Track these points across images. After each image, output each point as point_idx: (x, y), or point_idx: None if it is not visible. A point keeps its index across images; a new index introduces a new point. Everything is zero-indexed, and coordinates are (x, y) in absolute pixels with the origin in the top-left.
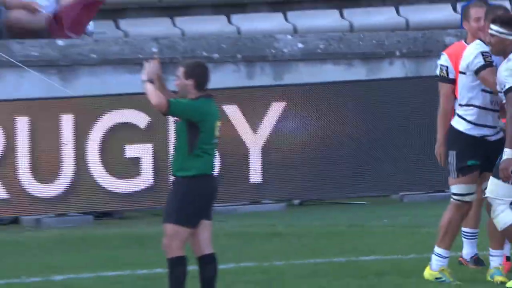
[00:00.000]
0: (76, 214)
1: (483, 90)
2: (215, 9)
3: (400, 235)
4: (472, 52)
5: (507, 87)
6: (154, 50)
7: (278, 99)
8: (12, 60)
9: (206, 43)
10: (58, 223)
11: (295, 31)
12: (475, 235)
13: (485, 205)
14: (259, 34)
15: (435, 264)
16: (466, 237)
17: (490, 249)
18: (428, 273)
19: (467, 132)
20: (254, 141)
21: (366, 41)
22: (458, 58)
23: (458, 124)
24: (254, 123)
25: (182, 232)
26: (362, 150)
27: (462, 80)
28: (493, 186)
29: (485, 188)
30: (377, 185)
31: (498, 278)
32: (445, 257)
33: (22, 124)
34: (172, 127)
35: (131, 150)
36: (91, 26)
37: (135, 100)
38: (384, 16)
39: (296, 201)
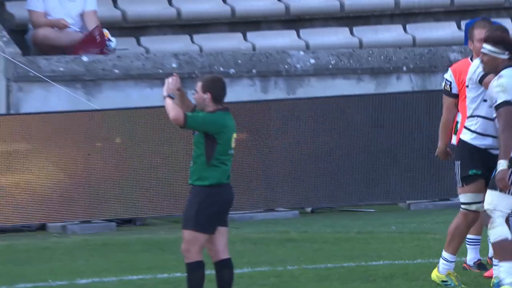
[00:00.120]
0: (99, 221)
1: (484, 100)
2: (231, 27)
3: (407, 241)
4: (474, 64)
5: (498, 102)
6: (174, 65)
7: (291, 112)
8: (39, 75)
9: (223, 59)
10: (82, 230)
11: (307, 47)
12: (478, 241)
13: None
14: (273, 51)
15: (442, 268)
16: (469, 243)
17: (493, 258)
18: (435, 275)
19: (470, 142)
20: (268, 152)
21: (375, 57)
22: (461, 74)
23: (464, 135)
24: (269, 135)
25: (200, 238)
26: (371, 160)
27: (467, 93)
28: (492, 198)
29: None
30: (385, 194)
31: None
32: (451, 262)
33: (48, 134)
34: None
35: (153, 159)
36: (113, 43)
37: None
38: (391, 33)
39: (308, 209)
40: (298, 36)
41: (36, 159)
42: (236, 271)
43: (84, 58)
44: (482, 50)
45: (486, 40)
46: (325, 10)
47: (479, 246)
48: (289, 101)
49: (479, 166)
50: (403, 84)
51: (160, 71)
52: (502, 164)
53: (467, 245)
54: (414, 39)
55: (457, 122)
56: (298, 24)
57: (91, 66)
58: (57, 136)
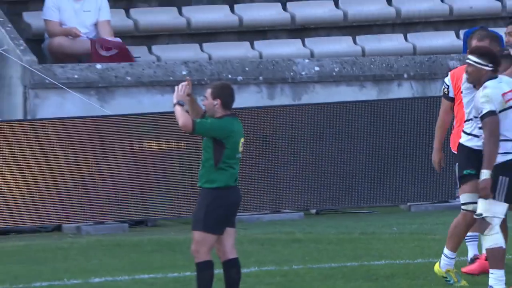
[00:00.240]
0: (112, 222)
1: None
2: (239, 36)
3: (408, 241)
4: None
5: (483, 112)
6: (184, 73)
7: (296, 117)
8: (55, 82)
9: (231, 67)
10: (96, 231)
11: (312, 55)
12: (475, 238)
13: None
14: (279, 59)
15: (443, 263)
16: (466, 239)
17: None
18: (436, 268)
19: (465, 143)
20: (275, 156)
21: (377, 65)
22: (458, 80)
23: (462, 138)
24: (275, 140)
25: (209, 239)
26: (374, 164)
27: (463, 99)
28: (488, 206)
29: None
30: (387, 196)
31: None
32: (451, 258)
33: (63, 139)
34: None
35: (164, 163)
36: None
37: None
38: (393, 42)
39: (313, 211)
40: (303, 44)
41: (51, 163)
42: (244, 270)
43: (98, 66)
44: (467, 60)
45: (472, 51)
46: (329, 19)
47: (476, 242)
48: (295, 107)
49: (473, 166)
50: (404, 90)
51: (171, 78)
52: (485, 174)
53: (466, 243)
54: (414, 47)
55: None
56: (303, 33)
57: (105, 74)
58: (72, 141)
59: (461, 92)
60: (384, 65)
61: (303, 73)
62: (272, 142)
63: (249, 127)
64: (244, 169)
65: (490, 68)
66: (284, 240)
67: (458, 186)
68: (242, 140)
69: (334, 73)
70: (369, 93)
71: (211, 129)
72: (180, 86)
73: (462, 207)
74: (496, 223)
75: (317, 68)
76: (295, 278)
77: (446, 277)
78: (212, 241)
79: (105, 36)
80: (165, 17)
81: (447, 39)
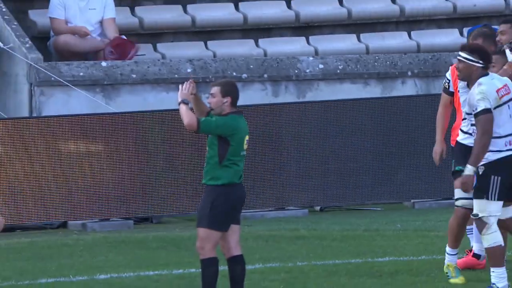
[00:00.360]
0: (118, 219)
1: None
2: (243, 34)
3: (412, 238)
4: None
5: (478, 110)
6: (189, 70)
7: (301, 115)
8: (61, 80)
9: (236, 64)
10: (101, 227)
11: (316, 53)
12: (471, 231)
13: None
14: (283, 56)
15: (445, 260)
16: (467, 232)
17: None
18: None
19: (461, 141)
20: (279, 154)
21: (381, 63)
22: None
23: (459, 136)
24: (279, 137)
25: (213, 235)
26: (377, 161)
27: (460, 98)
28: (483, 206)
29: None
30: (391, 193)
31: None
32: (450, 254)
33: (68, 136)
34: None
35: (169, 160)
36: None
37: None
38: (397, 40)
39: (317, 208)
40: (308, 42)
41: (56, 160)
42: (248, 267)
43: (103, 64)
44: (458, 57)
45: (463, 48)
46: (333, 17)
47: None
48: (299, 105)
49: (465, 163)
50: (408, 88)
51: (176, 76)
52: (468, 170)
53: (467, 235)
54: (418, 45)
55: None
56: (307, 31)
57: (110, 71)
58: (77, 138)
59: (458, 91)
60: (388, 62)
61: (307, 70)
62: (276, 139)
63: (254, 125)
64: (249, 166)
65: (481, 65)
66: (289, 237)
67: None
68: (247, 137)
69: (338, 71)
70: (373, 90)
71: (216, 127)
72: (184, 84)
73: (455, 202)
74: (492, 221)
75: (321, 66)
76: (300, 275)
77: (447, 272)
78: (217, 238)
79: (110, 34)
80: (170, 15)
81: (450, 36)
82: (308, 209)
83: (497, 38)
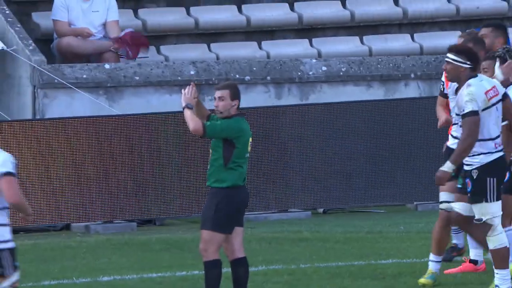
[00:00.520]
0: (121, 221)
1: None
2: (247, 36)
3: (415, 240)
4: None
5: (465, 111)
6: (192, 73)
7: (304, 117)
8: (64, 82)
9: (239, 67)
10: (104, 229)
11: (319, 55)
12: (456, 231)
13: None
14: (286, 58)
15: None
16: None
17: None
18: None
19: (450, 146)
20: (282, 156)
21: (384, 65)
22: None
23: (449, 141)
24: (282, 140)
25: (217, 238)
26: (380, 163)
27: (450, 104)
28: (484, 209)
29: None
30: (394, 195)
31: (422, 281)
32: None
33: (72, 138)
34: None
35: (172, 162)
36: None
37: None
38: (400, 42)
39: (321, 210)
40: (311, 44)
41: (60, 162)
42: (251, 269)
43: (106, 66)
44: (446, 58)
45: (450, 49)
46: (336, 19)
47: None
48: (302, 107)
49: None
50: (411, 90)
51: (179, 78)
52: (447, 166)
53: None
54: (421, 47)
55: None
56: (310, 33)
57: (113, 74)
58: (80, 140)
59: (448, 97)
60: (391, 65)
61: (310, 73)
62: (279, 141)
63: (257, 127)
64: (252, 168)
65: (469, 66)
66: (292, 239)
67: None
68: (250, 139)
69: (341, 73)
70: (376, 93)
71: (221, 130)
72: (186, 89)
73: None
74: (497, 222)
75: (324, 68)
76: (303, 277)
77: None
78: (221, 240)
79: (113, 36)
80: (173, 17)
81: (453, 39)
82: (311, 211)
83: None
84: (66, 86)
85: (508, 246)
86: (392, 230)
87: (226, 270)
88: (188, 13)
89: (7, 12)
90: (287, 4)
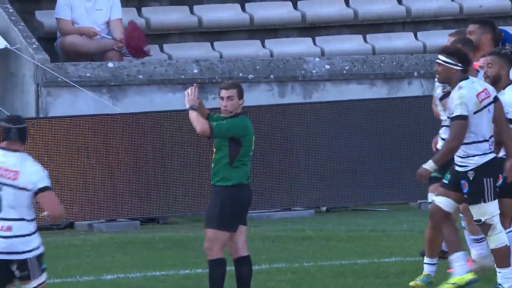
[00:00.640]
0: (124, 220)
1: None
2: (250, 34)
3: (418, 239)
4: (438, 84)
5: (454, 114)
6: (195, 71)
7: (307, 115)
8: (67, 80)
9: (242, 65)
10: (108, 228)
11: (322, 54)
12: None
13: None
14: (290, 57)
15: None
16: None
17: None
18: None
19: (440, 148)
20: (285, 154)
21: (387, 63)
22: None
23: (438, 143)
24: (286, 138)
25: (222, 236)
26: (384, 161)
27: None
28: (483, 209)
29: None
30: (397, 194)
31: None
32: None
33: (75, 137)
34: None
35: (175, 161)
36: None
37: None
38: (403, 40)
39: (324, 208)
40: (314, 43)
41: (63, 160)
42: (255, 267)
43: (110, 64)
44: (437, 60)
45: (442, 51)
46: (339, 18)
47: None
48: (305, 105)
49: (440, 170)
50: (414, 89)
51: (182, 76)
52: (429, 165)
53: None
54: (424, 46)
55: None
56: (313, 31)
57: (117, 72)
58: (83, 139)
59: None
60: (394, 63)
61: (313, 71)
62: (282, 140)
63: (260, 125)
64: (255, 167)
65: (460, 68)
66: (295, 237)
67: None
68: (253, 137)
69: (344, 71)
70: (380, 91)
71: (228, 130)
72: (189, 90)
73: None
74: (496, 221)
75: (327, 67)
76: (306, 275)
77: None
78: (225, 239)
79: (117, 34)
80: (176, 15)
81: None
82: (315, 210)
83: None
84: (70, 84)
85: (508, 245)
86: (395, 228)
87: (230, 268)
88: (192, 11)
89: (11, 10)
90: (290, 3)
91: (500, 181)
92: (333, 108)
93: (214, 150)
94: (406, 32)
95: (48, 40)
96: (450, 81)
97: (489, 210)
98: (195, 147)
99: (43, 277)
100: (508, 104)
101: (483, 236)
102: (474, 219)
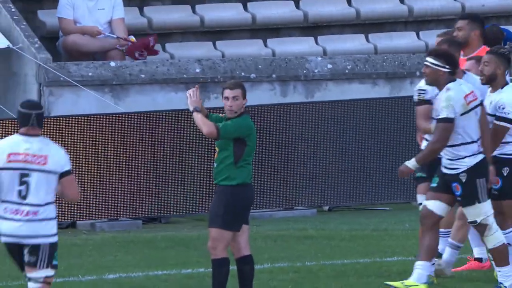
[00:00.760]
0: (126, 219)
1: None
2: (252, 34)
3: None
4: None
5: (440, 116)
6: (197, 70)
7: (309, 115)
8: (70, 80)
9: (244, 64)
10: (110, 227)
11: (324, 53)
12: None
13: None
14: (292, 56)
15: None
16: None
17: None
18: None
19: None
20: (288, 154)
21: (389, 63)
22: None
23: (422, 145)
24: (288, 137)
25: (226, 236)
26: (386, 160)
27: None
28: (478, 210)
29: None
30: (400, 193)
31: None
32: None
33: (77, 136)
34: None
35: (178, 160)
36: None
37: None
38: (405, 40)
39: (326, 207)
40: (316, 42)
41: None
42: (257, 266)
43: (112, 64)
44: (425, 62)
45: (430, 53)
46: (341, 17)
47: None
48: (308, 105)
49: (424, 170)
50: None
51: (184, 76)
52: (411, 163)
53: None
54: (427, 45)
55: None
56: (316, 31)
57: (119, 71)
58: (86, 138)
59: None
60: (396, 62)
61: (315, 70)
62: (284, 139)
63: (262, 125)
64: (257, 166)
65: (448, 70)
66: (297, 236)
67: None
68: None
69: (346, 71)
70: (382, 90)
71: (234, 131)
72: (191, 92)
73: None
74: (491, 221)
75: (329, 66)
76: (308, 275)
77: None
78: (229, 238)
79: (119, 34)
80: (178, 15)
81: None
82: (317, 209)
83: (454, 34)
84: (72, 84)
85: (506, 243)
86: (397, 227)
87: (232, 267)
88: (194, 11)
89: (13, 10)
90: (292, 2)
91: (499, 184)
92: (335, 108)
93: (217, 149)
94: (408, 32)
95: (50, 40)
96: (438, 83)
97: (483, 210)
98: (198, 147)
99: (50, 271)
100: (507, 103)
101: (461, 245)
102: (469, 220)
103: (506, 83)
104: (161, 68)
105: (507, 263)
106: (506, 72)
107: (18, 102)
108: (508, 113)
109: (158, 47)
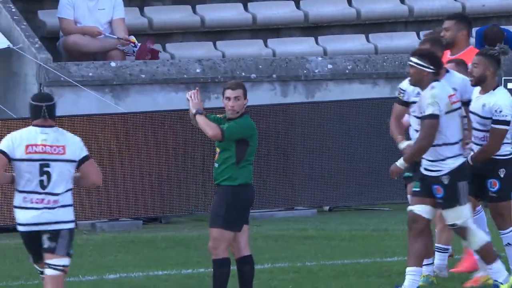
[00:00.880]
0: (127, 219)
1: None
2: (252, 34)
3: None
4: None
5: (425, 113)
6: (198, 71)
7: (310, 115)
8: (70, 80)
9: (245, 64)
10: (110, 227)
11: (325, 53)
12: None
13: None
14: (292, 56)
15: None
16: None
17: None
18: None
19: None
20: (288, 154)
21: (390, 63)
22: None
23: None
24: (288, 137)
25: (227, 236)
26: (386, 160)
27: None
28: (459, 213)
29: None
30: (400, 193)
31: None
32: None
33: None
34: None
35: (177, 160)
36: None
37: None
38: (406, 40)
39: (326, 208)
40: (316, 42)
41: None
42: (257, 266)
43: (112, 64)
44: (409, 62)
45: (414, 53)
46: (342, 17)
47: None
48: (308, 105)
49: (412, 170)
50: None
51: (185, 76)
52: (400, 163)
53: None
54: None
55: None
56: (316, 31)
57: (119, 71)
58: (86, 138)
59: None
60: (396, 62)
61: (316, 70)
62: (285, 139)
63: (263, 125)
64: (258, 166)
65: (432, 70)
66: (297, 236)
67: None
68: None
69: (347, 71)
70: (382, 90)
71: (238, 132)
72: (192, 95)
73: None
74: (470, 223)
75: (330, 66)
76: (308, 275)
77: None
78: (230, 238)
79: (120, 34)
80: (179, 15)
81: None
82: (317, 209)
83: (441, 34)
84: (72, 84)
85: (489, 240)
86: (397, 227)
87: (232, 268)
88: (194, 11)
89: (13, 10)
90: (293, 2)
91: (497, 186)
92: (335, 108)
93: (218, 150)
94: (408, 32)
95: (50, 40)
96: (422, 83)
97: (464, 213)
98: (198, 147)
99: (66, 260)
100: (504, 106)
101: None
102: (448, 223)
103: (497, 85)
104: (161, 68)
105: (495, 258)
106: (495, 74)
107: (18, 102)
108: (506, 116)
109: (158, 47)
